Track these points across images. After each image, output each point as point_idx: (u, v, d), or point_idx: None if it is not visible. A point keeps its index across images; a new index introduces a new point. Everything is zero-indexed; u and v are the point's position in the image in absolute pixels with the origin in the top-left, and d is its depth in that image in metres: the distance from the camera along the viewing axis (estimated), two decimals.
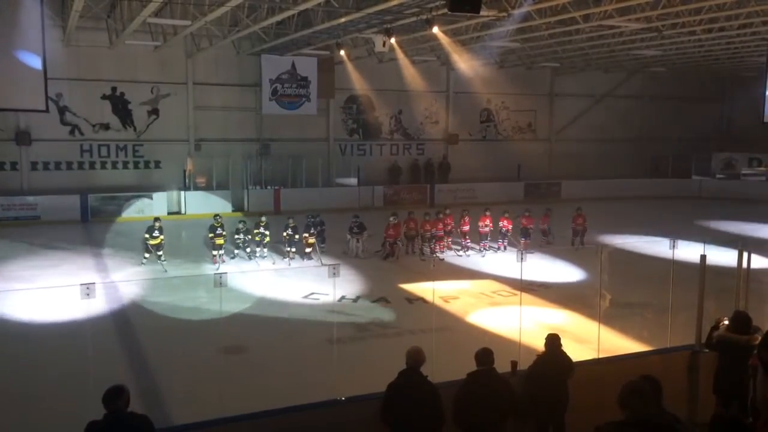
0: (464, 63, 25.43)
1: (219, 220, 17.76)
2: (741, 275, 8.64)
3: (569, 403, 7.02)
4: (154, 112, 26.49)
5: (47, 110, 17.69)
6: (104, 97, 25.68)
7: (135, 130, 26.26)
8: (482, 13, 14.38)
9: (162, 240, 17.26)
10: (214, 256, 17.56)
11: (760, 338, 7.11)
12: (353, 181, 28.82)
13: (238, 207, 26.03)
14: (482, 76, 28.96)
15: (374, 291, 15.26)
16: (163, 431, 6.18)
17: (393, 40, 18.63)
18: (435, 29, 17.25)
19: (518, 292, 11.99)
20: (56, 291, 12.81)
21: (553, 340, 7.18)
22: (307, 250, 18.04)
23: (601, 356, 9.29)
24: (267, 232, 18.00)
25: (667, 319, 9.59)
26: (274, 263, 17.75)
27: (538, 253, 18.55)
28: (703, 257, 8.39)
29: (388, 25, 18.31)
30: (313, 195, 26.69)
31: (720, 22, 19.16)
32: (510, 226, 19.77)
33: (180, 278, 16.19)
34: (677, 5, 16.77)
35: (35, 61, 14.78)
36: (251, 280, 15.69)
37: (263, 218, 18.42)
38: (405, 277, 16.33)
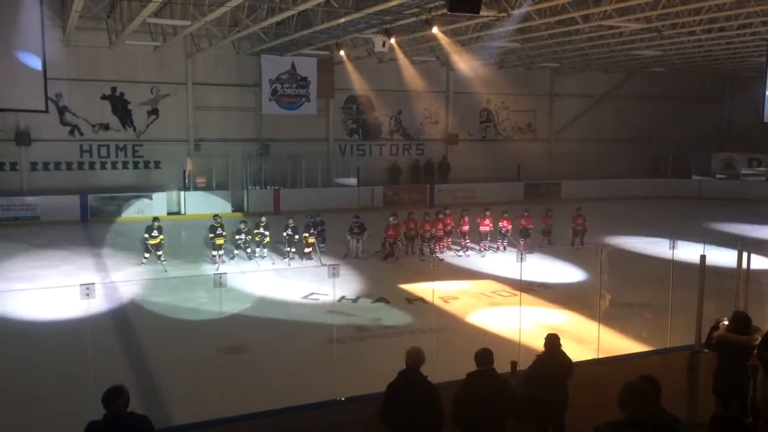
0: (464, 63, 25.43)
1: (219, 220, 17.75)
2: (741, 275, 8.64)
3: (569, 404, 7.02)
4: (154, 112, 26.50)
5: (47, 110, 17.71)
6: (104, 97, 25.68)
7: (135, 130, 26.27)
8: (482, 13, 14.37)
9: (161, 239, 17.26)
10: (214, 256, 17.56)
11: (759, 338, 7.12)
12: (353, 181, 28.83)
13: (237, 207, 26.03)
14: (482, 76, 28.95)
15: (374, 291, 15.26)
16: (162, 431, 6.18)
17: (393, 41, 18.62)
18: (435, 29, 17.25)
19: (518, 293, 11.99)
20: (56, 291, 12.83)
21: (552, 340, 7.18)
22: (307, 250, 18.03)
23: (600, 356, 9.29)
24: (267, 233, 17.99)
25: (666, 319, 9.59)
26: (273, 263, 17.74)
27: (538, 254, 18.55)
28: (703, 257, 8.40)
29: (388, 26, 18.31)
30: (312, 195, 26.70)
31: (720, 22, 19.16)
32: (510, 227, 19.77)
33: (180, 278, 16.19)
34: (677, 5, 16.77)
35: (35, 62, 14.79)
36: (251, 281, 15.68)
37: (263, 218, 18.42)
38: (405, 278, 16.33)
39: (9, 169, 24.64)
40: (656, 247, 16.51)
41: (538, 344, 7.42)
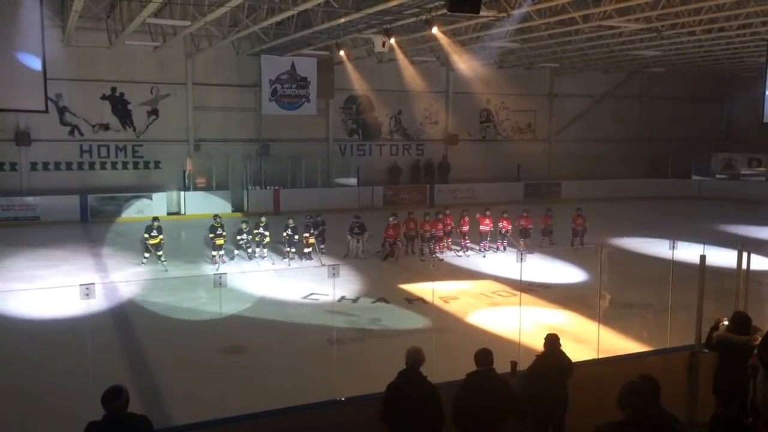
0: (464, 63, 25.44)
1: (219, 220, 17.74)
2: (741, 276, 8.64)
3: (569, 404, 7.01)
4: (154, 112, 26.50)
5: (47, 111, 17.70)
6: (104, 97, 25.69)
7: (134, 130, 26.27)
8: (482, 13, 14.38)
9: (161, 239, 17.25)
10: (214, 256, 17.55)
11: (760, 338, 7.12)
12: (353, 181, 28.84)
13: (237, 207, 26.04)
14: (482, 76, 28.96)
15: (374, 291, 15.25)
16: (162, 431, 6.17)
17: (392, 41, 18.63)
18: (434, 30, 17.25)
19: (518, 293, 11.99)
20: (56, 291, 12.83)
21: (552, 340, 7.17)
22: (306, 250, 18.03)
23: (600, 357, 9.29)
24: (266, 233, 17.98)
25: (666, 319, 9.59)
26: (273, 264, 17.74)
27: (538, 254, 18.54)
28: (703, 258, 8.39)
29: (388, 26, 18.32)
30: (312, 195, 26.71)
31: (719, 22, 19.17)
32: (509, 227, 19.77)
33: (180, 278, 16.19)
34: (677, 6, 16.77)
35: (35, 62, 14.79)
36: (251, 281, 15.68)
37: (262, 219, 18.40)
38: (405, 278, 16.33)
39: (9, 169, 24.65)
40: (656, 247, 16.52)
41: (538, 344, 7.42)
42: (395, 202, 27.73)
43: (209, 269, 16.94)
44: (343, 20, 17.84)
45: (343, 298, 14.49)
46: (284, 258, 18.09)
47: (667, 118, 34.99)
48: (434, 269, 16.80)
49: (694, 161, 33.35)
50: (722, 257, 9.44)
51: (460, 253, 19.46)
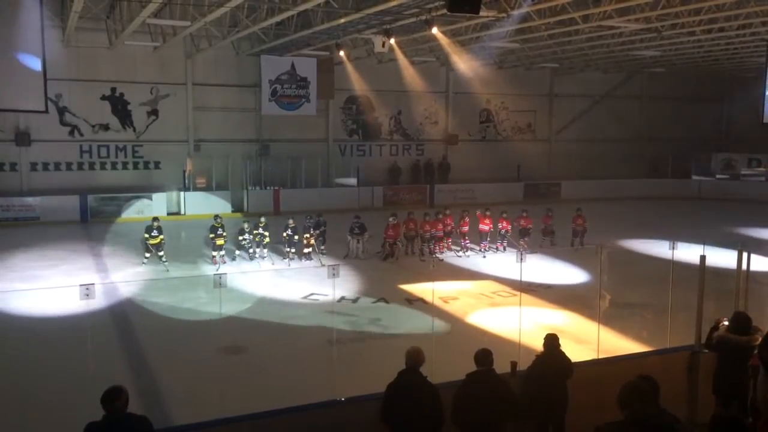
0: (464, 63, 25.45)
1: (219, 220, 17.73)
2: (741, 276, 8.65)
3: (569, 404, 7.01)
4: (154, 112, 26.51)
5: (47, 111, 17.78)
6: (104, 97, 25.69)
7: (134, 130, 26.28)
8: (481, 13, 14.38)
9: (162, 239, 17.25)
10: (214, 256, 17.54)
11: (760, 339, 7.12)
12: (353, 181, 28.84)
13: (237, 208, 26.04)
14: (481, 76, 28.96)
15: (374, 291, 15.25)
16: (162, 431, 6.17)
17: (392, 41, 18.63)
18: (434, 30, 17.25)
19: (518, 293, 11.99)
20: (56, 291, 12.84)
21: (551, 340, 7.16)
22: (306, 250, 18.02)
23: (600, 357, 9.30)
24: (266, 233, 17.97)
25: (666, 319, 9.59)
26: (273, 264, 17.74)
27: (538, 254, 18.53)
28: (703, 258, 8.39)
29: (388, 26, 18.32)
30: (312, 195, 26.70)
31: (719, 22, 19.16)
32: (509, 227, 19.77)
33: (180, 279, 16.19)
34: (677, 6, 16.77)
35: (35, 62, 14.83)
36: (251, 281, 15.68)
37: (262, 219, 18.39)
38: (404, 278, 16.32)
39: (9, 169, 24.65)
40: (656, 247, 16.54)
41: (538, 344, 7.42)
42: (395, 202, 27.73)
43: (209, 269, 16.93)
44: (343, 20, 17.84)
45: (343, 298, 14.49)
46: (284, 258, 18.08)
47: (667, 118, 34.99)
48: (434, 269, 16.79)
49: (694, 161, 33.34)
50: (722, 257, 9.44)
51: (460, 253, 19.45)
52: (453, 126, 31.90)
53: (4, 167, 24.59)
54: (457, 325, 12.91)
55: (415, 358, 6.18)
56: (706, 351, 7.84)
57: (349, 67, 26.47)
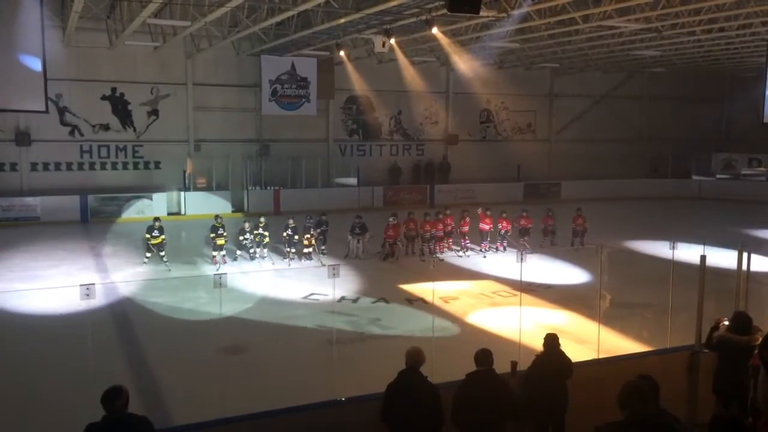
0: (464, 63, 25.45)
1: (220, 220, 17.73)
2: (741, 276, 8.65)
3: (569, 404, 7.01)
4: (154, 112, 26.51)
5: (47, 111, 17.75)
6: (104, 97, 25.69)
7: (135, 130, 26.28)
8: (482, 13, 14.38)
9: (164, 239, 17.26)
10: (214, 256, 17.55)
11: (760, 338, 7.12)
12: (353, 181, 28.84)
13: (238, 208, 26.04)
14: (482, 76, 28.96)
15: (374, 291, 15.25)
16: (162, 431, 6.17)
17: (392, 41, 18.63)
18: (434, 30, 17.25)
19: (518, 293, 11.99)
20: (56, 291, 12.84)
21: (551, 340, 7.15)
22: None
23: (600, 357, 9.31)
24: (266, 233, 17.97)
25: (667, 319, 9.60)
26: (273, 264, 17.74)
27: (538, 254, 18.53)
28: (703, 258, 8.40)
29: (388, 26, 18.32)
30: (312, 195, 26.70)
31: (720, 22, 19.16)
32: (509, 227, 19.77)
33: (180, 279, 16.19)
34: (677, 6, 16.77)
35: (35, 62, 14.82)
36: (251, 281, 15.69)
37: (262, 219, 18.39)
38: (405, 278, 16.33)
39: (9, 169, 24.65)
40: (656, 247, 16.53)
41: (538, 344, 7.42)
42: (395, 202, 27.73)
43: (209, 269, 16.93)
44: (343, 20, 17.84)
45: (343, 298, 14.49)
46: (284, 258, 18.08)
47: (667, 118, 34.98)
48: (434, 269, 16.78)
49: (694, 161, 33.34)
50: (722, 257, 9.45)
51: (461, 253, 19.45)
52: (453, 126, 31.90)
53: (5, 167, 24.60)
54: (457, 325, 12.91)
55: (415, 358, 6.18)
56: (707, 351, 7.84)
57: (350, 67, 26.47)
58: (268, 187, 27.18)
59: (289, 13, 17.82)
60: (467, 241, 19.69)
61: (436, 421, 6.10)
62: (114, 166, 26.16)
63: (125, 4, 19.55)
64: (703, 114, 36.11)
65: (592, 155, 32.57)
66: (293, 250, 18.00)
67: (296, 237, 17.98)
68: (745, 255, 8.63)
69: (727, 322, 7.45)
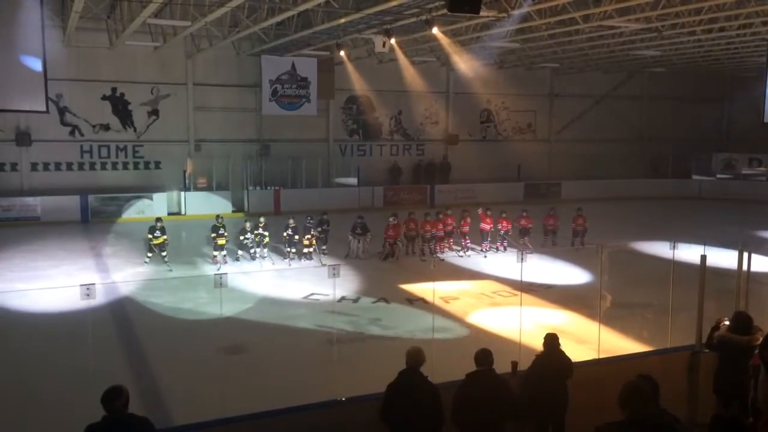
0: (464, 63, 25.45)
1: (221, 220, 17.73)
2: (741, 276, 8.64)
3: (569, 404, 7.01)
4: (154, 112, 26.51)
5: (47, 111, 17.73)
6: (104, 97, 25.69)
7: (135, 130, 26.28)
8: (482, 13, 14.38)
9: (166, 239, 17.27)
10: (215, 256, 17.55)
11: (761, 338, 7.12)
12: (353, 181, 28.84)
13: (238, 207, 26.04)
14: (482, 76, 28.95)
15: (374, 291, 15.25)
16: (163, 431, 6.17)
17: (393, 41, 18.63)
18: (435, 30, 17.24)
19: (518, 293, 11.99)
20: (56, 291, 12.83)
21: (551, 340, 7.14)
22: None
23: (601, 357, 9.30)
24: (266, 233, 17.97)
25: (667, 319, 9.60)
26: (273, 264, 17.73)
27: (539, 254, 18.53)
28: (704, 258, 8.40)
29: (388, 26, 18.32)
30: (313, 195, 26.70)
31: (720, 22, 19.15)
32: (509, 227, 19.77)
33: (180, 279, 16.20)
34: (677, 5, 16.76)
35: (35, 62, 14.82)
36: (251, 281, 15.69)
37: (261, 219, 18.38)
38: (405, 278, 16.33)
39: (9, 169, 24.65)
40: (656, 247, 16.52)
41: (538, 344, 7.41)
42: (395, 202, 27.73)
43: (210, 269, 16.94)
44: (343, 20, 17.84)
45: (343, 298, 14.49)
46: (284, 258, 18.08)
47: (667, 118, 34.97)
48: (435, 269, 16.77)
49: (695, 161, 33.34)
50: (723, 257, 9.45)
51: (461, 253, 19.45)
52: (453, 126, 31.89)
53: (5, 167, 24.60)
54: (457, 324, 12.91)
55: (415, 358, 6.18)
56: (707, 351, 7.84)
57: (350, 67, 26.47)
58: (269, 187, 27.18)
59: (289, 13, 17.82)
60: (468, 241, 19.69)
61: (436, 421, 6.09)
62: (114, 166, 26.16)
63: (125, 4, 19.55)
64: (704, 114, 36.10)
65: (592, 155, 32.53)
66: (293, 250, 17.99)
67: (296, 237, 17.97)
68: (745, 255, 8.63)
69: (727, 322, 7.45)
